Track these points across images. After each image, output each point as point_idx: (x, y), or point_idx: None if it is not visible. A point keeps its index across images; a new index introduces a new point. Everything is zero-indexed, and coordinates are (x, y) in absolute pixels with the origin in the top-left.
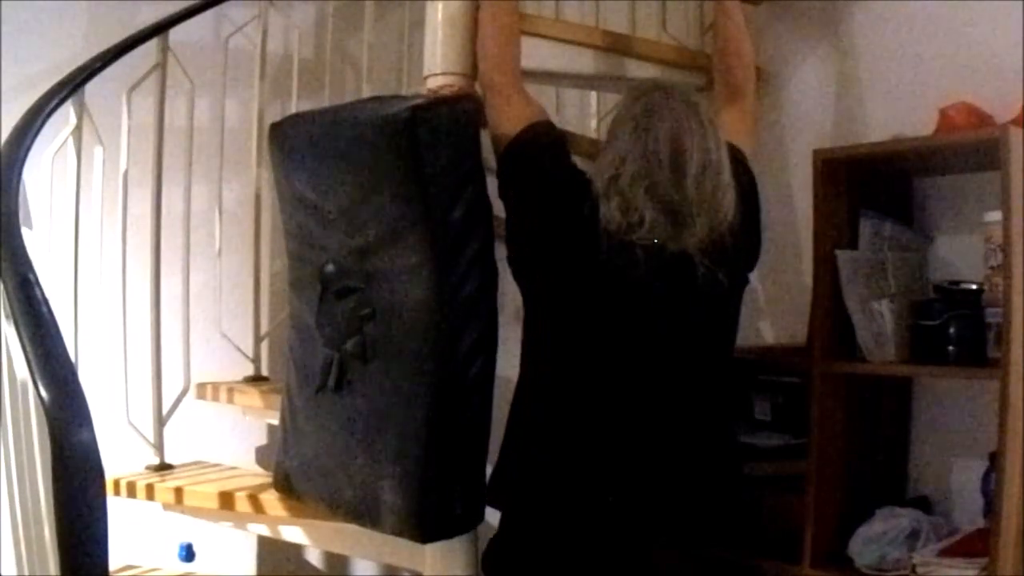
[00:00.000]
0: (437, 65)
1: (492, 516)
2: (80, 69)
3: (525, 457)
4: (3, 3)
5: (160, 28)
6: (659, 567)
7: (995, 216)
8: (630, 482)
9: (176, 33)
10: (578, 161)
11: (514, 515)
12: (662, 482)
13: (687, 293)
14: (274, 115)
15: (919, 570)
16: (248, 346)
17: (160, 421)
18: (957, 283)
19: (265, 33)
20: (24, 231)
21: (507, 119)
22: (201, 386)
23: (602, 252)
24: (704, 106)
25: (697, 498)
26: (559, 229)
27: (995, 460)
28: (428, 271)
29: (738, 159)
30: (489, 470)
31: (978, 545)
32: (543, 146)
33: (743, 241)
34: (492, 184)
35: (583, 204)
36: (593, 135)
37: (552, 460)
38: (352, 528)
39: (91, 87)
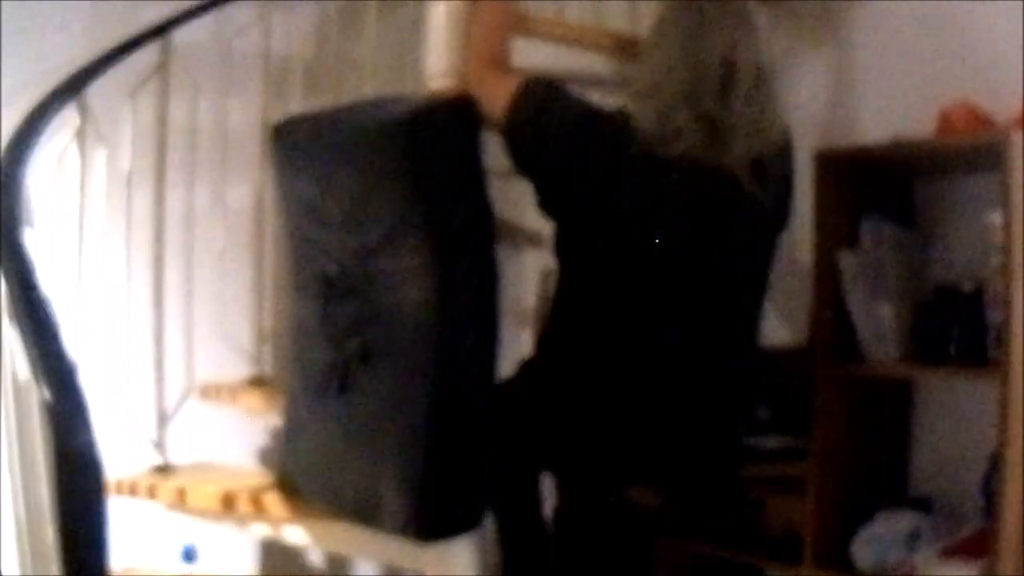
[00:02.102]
0: (439, 67)
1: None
2: (83, 70)
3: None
4: (3, 3)
5: (163, 29)
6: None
7: (996, 217)
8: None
9: (179, 34)
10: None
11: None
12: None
13: (727, 213)
14: (276, 116)
15: (920, 571)
16: (251, 347)
17: (163, 422)
18: (958, 284)
19: (268, 34)
20: (26, 232)
21: (498, 96)
22: (204, 387)
23: (631, 172)
24: (760, 18)
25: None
26: (584, 167)
27: (996, 461)
28: (429, 273)
29: None
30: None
31: (979, 546)
32: (543, 96)
33: (778, 190)
34: (493, 185)
35: (605, 130)
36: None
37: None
38: (354, 528)
39: (93, 88)
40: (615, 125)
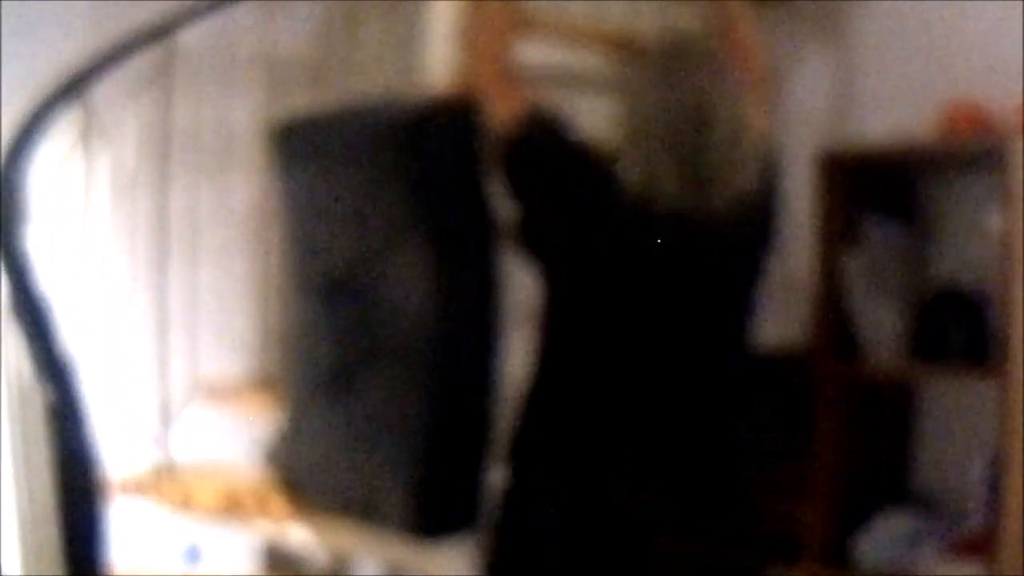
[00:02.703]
0: (440, 67)
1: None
2: (85, 70)
3: (528, 460)
4: (3, 3)
5: (166, 29)
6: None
7: (997, 217)
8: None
9: (181, 34)
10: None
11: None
12: (661, 484)
13: (706, 262)
14: (278, 116)
15: (921, 570)
16: (254, 348)
17: (166, 422)
18: (959, 284)
19: (270, 35)
20: (28, 232)
21: (502, 112)
22: (207, 387)
23: (619, 220)
24: (733, 67)
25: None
26: (575, 210)
27: (997, 460)
28: (431, 274)
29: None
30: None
31: (980, 545)
32: (545, 134)
33: (763, 217)
34: (495, 185)
35: (597, 179)
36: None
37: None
38: (356, 528)
39: (96, 88)
40: (607, 172)
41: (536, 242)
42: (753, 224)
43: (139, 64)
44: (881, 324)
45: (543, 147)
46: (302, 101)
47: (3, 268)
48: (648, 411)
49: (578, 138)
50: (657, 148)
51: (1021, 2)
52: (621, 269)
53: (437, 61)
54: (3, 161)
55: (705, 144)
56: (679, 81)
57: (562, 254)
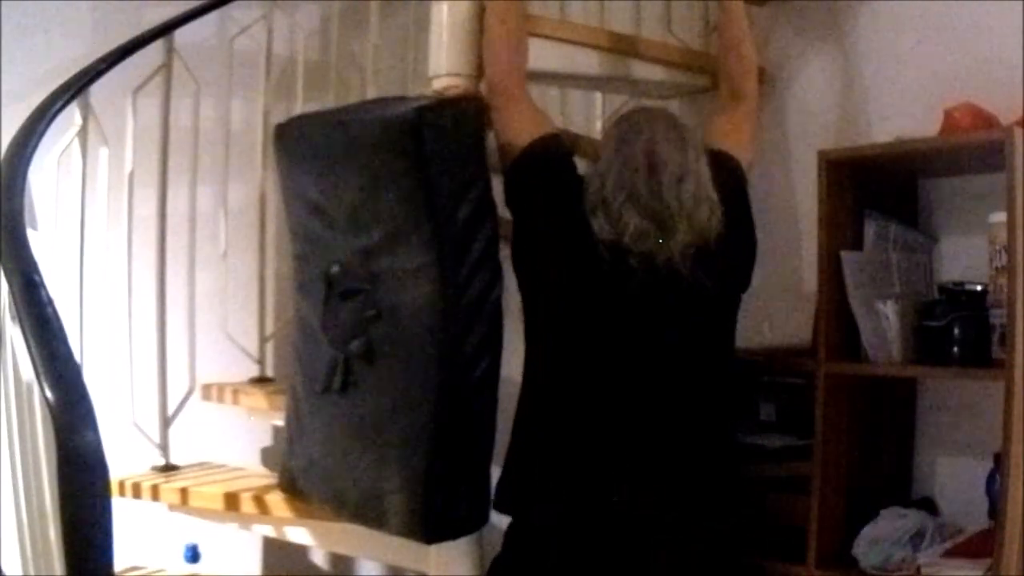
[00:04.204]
0: (442, 66)
1: (496, 517)
2: (85, 70)
3: (529, 463)
4: (4, 3)
5: (165, 29)
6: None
7: (1000, 217)
8: (630, 484)
9: (181, 34)
10: (582, 166)
11: (519, 520)
12: (662, 484)
13: (678, 300)
14: (279, 116)
15: (924, 571)
16: (253, 347)
17: (165, 422)
18: (962, 284)
19: (270, 34)
20: (29, 232)
21: (517, 128)
22: (206, 387)
23: (601, 262)
24: (686, 122)
25: (696, 500)
26: (563, 242)
27: (999, 461)
28: (433, 272)
29: (726, 165)
30: (495, 471)
31: (983, 546)
32: (551, 161)
33: (732, 249)
34: (497, 185)
35: (585, 216)
36: (598, 136)
37: (553, 466)
38: (357, 529)
39: (96, 88)
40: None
41: (522, 257)
42: (724, 257)
43: (139, 63)
44: (885, 324)
45: (541, 174)
46: (302, 101)
47: (4, 268)
48: (641, 419)
49: (577, 178)
50: (619, 198)
51: (1021, 2)
52: (600, 299)
53: (440, 60)
54: (3, 161)
55: (658, 186)
56: (631, 135)
57: (542, 279)
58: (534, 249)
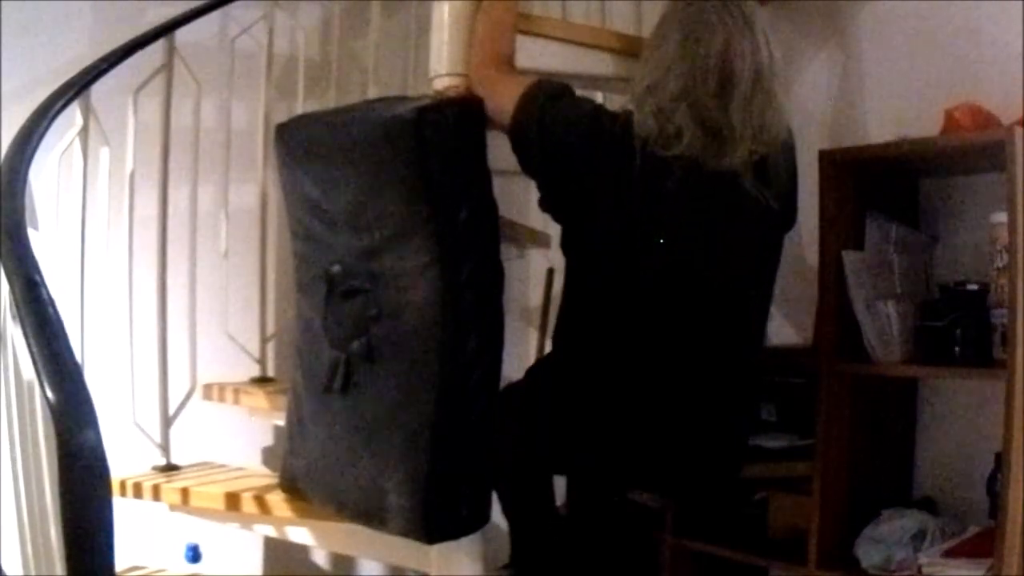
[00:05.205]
0: (443, 66)
1: (497, 517)
2: (86, 70)
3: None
4: (4, 3)
5: (166, 29)
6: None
7: (1001, 217)
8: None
9: (182, 34)
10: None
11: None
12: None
13: (730, 215)
14: (280, 116)
15: (925, 571)
16: (254, 347)
17: (166, 422)
18: (963, 284)
19: (271, 34)
20: (30, 232)
21: (505, 97)
22: (207, 387)
23: (635, 171)
24: (761, 17)
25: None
26: (590, 166)
27: (1000, 460)
28: (434, 272)
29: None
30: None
31: (984, 546)
32: (551, 96)
33: (787, 178)
34: (498, 185)
35: (612, 129)
36: None
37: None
38: (358, 529)
39: (97, 88)
40: (619, 124)
41: (560, 210)
42: (773, 194)
43: (140, 63)
44: (886, 324)
45: (548, 109)
46: (303, 100)
47: (5, 268)
48: (656, 407)
49: (582, 97)
50: (675, 97)
51: (1021, 2)
52: (642, 223)
53: (441, 60)
54: (4, 161)
55: (726, 98)
56: (702, 33)
57: (585, 217)
58: (566, 185)
